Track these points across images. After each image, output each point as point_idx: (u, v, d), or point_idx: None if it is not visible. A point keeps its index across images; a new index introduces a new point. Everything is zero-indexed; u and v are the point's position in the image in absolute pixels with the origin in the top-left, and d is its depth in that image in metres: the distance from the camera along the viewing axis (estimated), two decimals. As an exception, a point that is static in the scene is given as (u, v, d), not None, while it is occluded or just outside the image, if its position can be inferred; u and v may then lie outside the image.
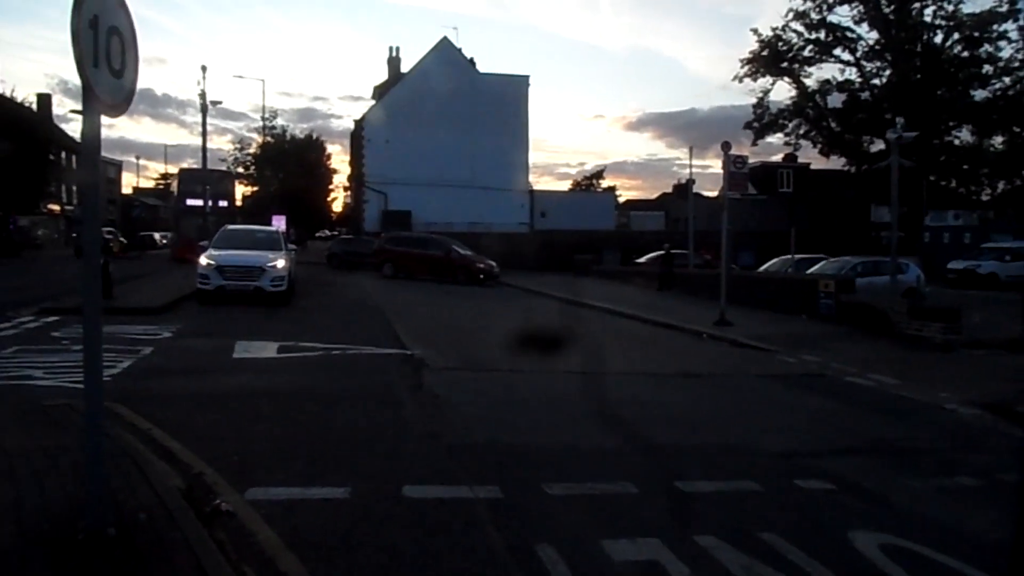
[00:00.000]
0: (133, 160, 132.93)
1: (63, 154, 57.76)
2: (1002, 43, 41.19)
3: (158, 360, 10.01)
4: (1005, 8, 39.76)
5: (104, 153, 4.50)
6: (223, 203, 39.13)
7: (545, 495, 5.23)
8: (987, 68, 42.16)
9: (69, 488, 4.63)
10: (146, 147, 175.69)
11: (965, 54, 42.12)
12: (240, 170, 53.91)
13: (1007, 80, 42.06)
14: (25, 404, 6.97)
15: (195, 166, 47.92)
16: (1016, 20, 40.03)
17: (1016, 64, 41.38)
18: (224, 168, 47.86)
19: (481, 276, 28.04)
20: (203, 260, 17.24)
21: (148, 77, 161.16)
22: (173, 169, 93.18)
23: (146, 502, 4.45)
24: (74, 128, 62.33)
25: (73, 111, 58.21)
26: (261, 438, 6.46)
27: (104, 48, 3.83)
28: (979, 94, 42.69)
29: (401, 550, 4.25)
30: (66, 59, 3.67)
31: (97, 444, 3.99)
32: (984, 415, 8.61)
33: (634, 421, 7.73)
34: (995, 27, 40.65)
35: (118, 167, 79.07)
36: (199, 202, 36.87)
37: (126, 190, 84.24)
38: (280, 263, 17.37)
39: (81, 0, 3.65)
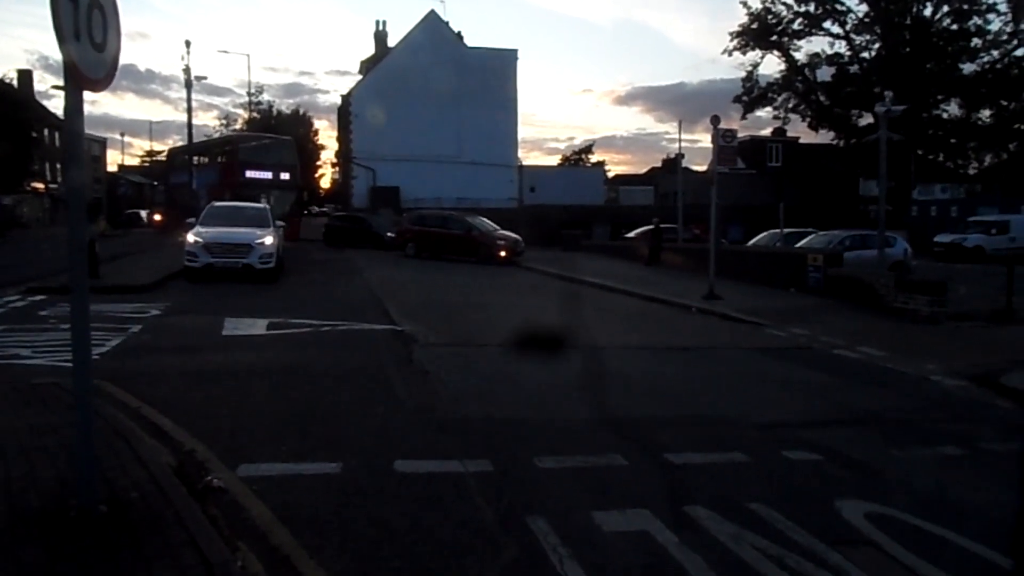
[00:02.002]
0: (118, 137, 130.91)
1: (46, 131, 57.12)
2: (991, 16, 41.25)
3: (147, 338, 9.98)
4: (994, -20, 39.68)
5: (88, 130, 4.44)
6: (285, 175, 32.03)
7: (536, 468, 5.27)
8: (976, 41, 42.21)
9: (60, 467, 4.63)
10: (130, 124, 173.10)
11: (954, 27, 42.09)
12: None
13: (995, 53, 42.16)
14: (13, 383, 6.95)
15: (256, 133, 40.24)
16: (1005, -8, 39.94)
17: (1004, 37, 41.47)
18: (274, 136, 39.27)
19: (502, 254, 25.72)
20: (190, 237, 17.13)
21: (131, 52, 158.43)
22: (159, 146, 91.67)
23: (137, 479, 4.45)
24: (56, 105, 61.38)
25: (55, 87, 57.09)
26: (252, 414, 6.47)
27: (85, 21, 3.76)
28: (968, 67, 42.84)
29: (392, 524, 4.28)
30: (47, 34, 3.59)
31: (87, 422, 3.99)
32: (969, 386, 8.71)
33: (624, 394, 7.79)
34: (984, 0, 40.58)
35: (102, 144, 78.11)
36: (263, 174, 30.97)
37: (111, 167, 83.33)
38: (269, 240, 17.27)
39: (60, -28, 3.58)
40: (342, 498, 4.60)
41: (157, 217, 45.63)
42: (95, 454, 4.06)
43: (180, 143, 45.34)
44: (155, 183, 53.64)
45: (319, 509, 4.42)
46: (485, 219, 28.89)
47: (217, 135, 56.79)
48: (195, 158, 36.57)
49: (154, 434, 5.56)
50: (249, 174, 31.08)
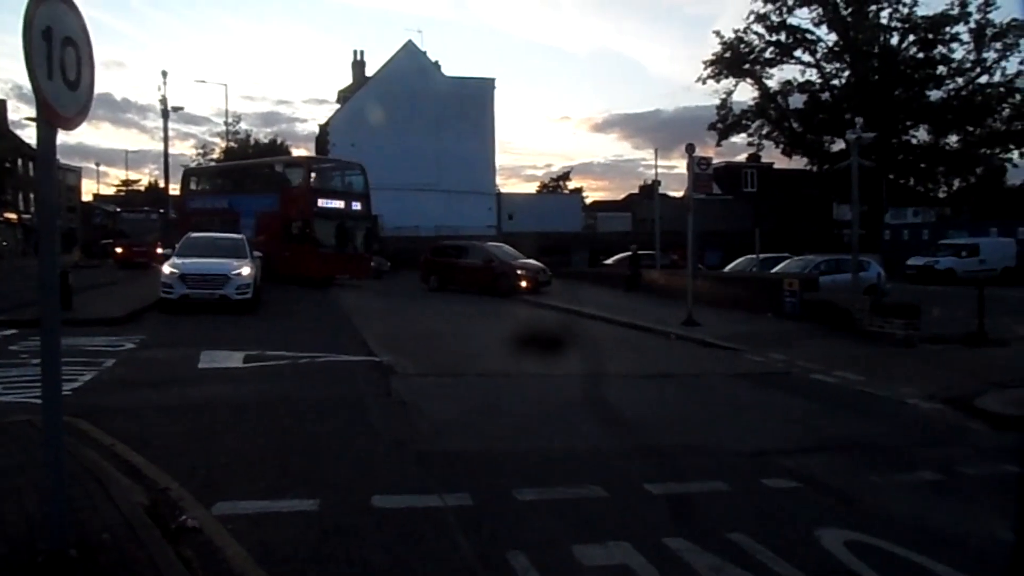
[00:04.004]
0: (93, 166, 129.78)
1: (19, 161, 56.55)
2: (955, 45, 42.35)
3: (121, 372, 9.82)
4: (956, 11, 40.84)
5: (63, 159, 4.39)
6: (357, 205, 27.62)
7: (515, 501, 5.23)
8: (941, 69, 43.28)
9: (29, 508, 4.52)
10: (106, 153, 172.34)
11: (920, 56, 43.18)
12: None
13: (960, 81, 43.24)
14: (-18, 421, 6.79)
15: (326, 156, 34.45)
16: (967, 23, 41.11)
17: (968, 65, 42.54)
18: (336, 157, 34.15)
19: (523, 284, 24.02)
20: (166, 268, 16.99)
21: (106, 81, 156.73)
22: (135, 175, 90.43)
23: (109, 520, 4.36)
24: (30, 134, 60.50)
25: (28, 118, 56.48)
26: (228, 450, 6.38)
27: (58, 59, 3.74)
28: (934, 94, 43.84)
29: (371, 562, 4.22)
30: (21, 63, 3.55)
31: (57, 462, 3.90)
32: (945, 409, 8.80)
33: (603, 423, 7.77)
34: (947, 29, 41.73)
35: (77, 173, 77.53)
36: (335, 203, 26.78)
37: (86, 197, 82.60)
38: (245, 271, 17.15)
39: (33, 10, 3.57)
40: (320, 536, 4.53)
41: (119, 250, 37.93)
42: (66, 495, 3.97)
43: (157, 172, 43.14)
44: (144, 210, 42.34)
45: (296, 548, 4.35)
46: (506, 246, 27.31)
47: (195, 164, 56.43)
48: (198, 181, 32.99)
49: (127, 472, 5.45)
50: (322, 203, 26.42)
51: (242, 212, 27.74)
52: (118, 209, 47.64)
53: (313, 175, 27.86)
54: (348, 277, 26.38)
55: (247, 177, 31.72)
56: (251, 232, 26.55)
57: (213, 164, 42.69)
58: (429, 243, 30.99)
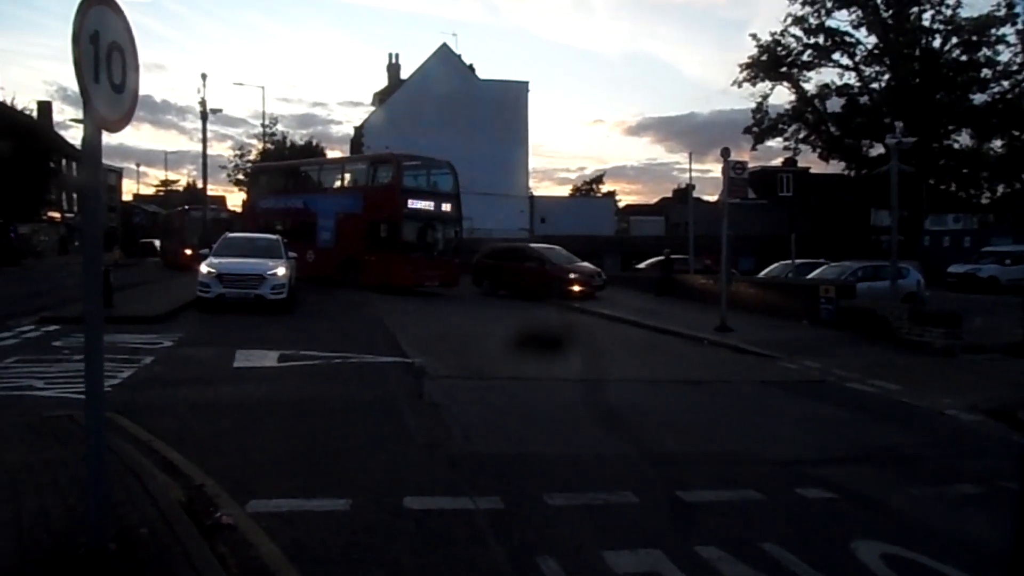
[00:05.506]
0: (133, 167, 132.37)
1: (63, 161, 57.88)
2: (1000, 47, 41.42)
3: (159, 369, 10.01)
4: (1003, 12, 39.93)
5: (104, 160, 4.49)
6: (446, 206, 25.45)
7: (546, 505, 5.22)
8: (986, 72, 42.34)
9: (70, 502, 4.63)
10: (146, 154, 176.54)
11: (964, 58, 42.27)
12: (241, 177, 53.96)
13: (1006, 84, 42.23)
14: (26, 415, 6.96)
15: (412, 153, 28.27)
16: (1014, 24, 40.17)
17: (1014, 68, 41.56)
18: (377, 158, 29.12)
19: (575, 289, 23.18)
20: (203, 268, 17.27)
21: (147, 83, 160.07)
22: (174, 176, 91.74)
23: (147, 515, 4.44)
24: (74, 135, 62.02)
25: (73, 120, 57.60)
26: (262, 448, 6.47)
27: (105, 63, 3.83)
28: (978, 98, 42.87)
29: (402, 563, 4.24)
30: (65, 66, 3.65)
31: (98, 457, 3.98)
32: (986, 421, 8.60)
33: (635, 429, 7.73)
34: (993, 31, 40.83)
35: (118, 174, 79.12)
36: (425, 204, 24.74)
37: (126, 197, 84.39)
38: (281, 271, 17.37)
39: (82, 15, 3.66)
40: (351, 536, 4.56)
41: (188, 251, 32.54)
42: (105, 490, 4.06)
43: (195, 172, 41.52)
44: (201, 210, 35.22)
45: (328, 547, 4.39)
46: (560, 249, 26.21)
47: (232, 165, 57.25)
48: (269, 179, 30.92)
49: (165, 468, 5.55)
50: (412, 204, 24.31)
51: (320, 213, 26.24)
52: (186, 207, 41.60)
53: (405, 173, 25.56)
54: (437, 284, 24.46)
55: (325, 175, 29.58)
56: (330, 235, 25.51)
57: (286, 160, 39.88)
58: (469, 246, 30.41)
